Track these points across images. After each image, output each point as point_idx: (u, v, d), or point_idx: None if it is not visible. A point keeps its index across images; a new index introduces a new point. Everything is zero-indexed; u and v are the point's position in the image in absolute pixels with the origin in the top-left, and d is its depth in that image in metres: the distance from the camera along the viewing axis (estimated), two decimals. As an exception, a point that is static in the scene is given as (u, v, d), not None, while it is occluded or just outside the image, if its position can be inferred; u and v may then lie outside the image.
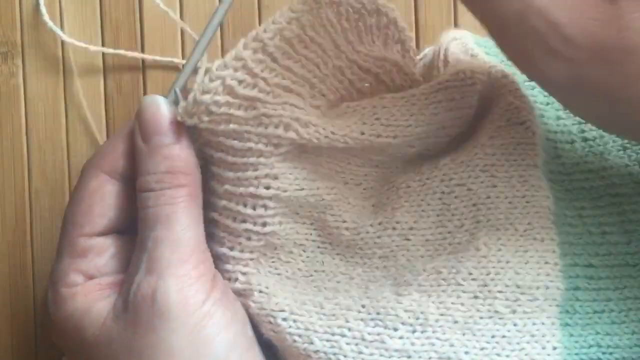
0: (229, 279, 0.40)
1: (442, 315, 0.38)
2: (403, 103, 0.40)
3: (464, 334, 0.38)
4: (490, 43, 0.44)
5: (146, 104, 0.40)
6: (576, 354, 0.39)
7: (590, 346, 0.39)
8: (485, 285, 0.39)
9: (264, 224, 0.40)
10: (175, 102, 0.40)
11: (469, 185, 0.41)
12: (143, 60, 0.51)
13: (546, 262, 0.39)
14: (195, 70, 0.40)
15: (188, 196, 0.39)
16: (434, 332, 0.38)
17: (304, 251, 0.42)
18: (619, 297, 0.40)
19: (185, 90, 0.40)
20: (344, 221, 0.41)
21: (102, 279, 0.39)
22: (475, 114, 0.42)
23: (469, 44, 0.43)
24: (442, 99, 0.40)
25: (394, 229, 0.41)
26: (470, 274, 0.39)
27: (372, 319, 0.39)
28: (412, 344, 0.38)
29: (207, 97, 0.38)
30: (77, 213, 0.40)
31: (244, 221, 0.40)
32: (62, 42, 0.51)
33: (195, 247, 0.38)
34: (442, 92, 0.40)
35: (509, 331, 0.38)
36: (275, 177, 0.39)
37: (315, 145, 0.39)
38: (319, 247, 0.42)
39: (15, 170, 0.51)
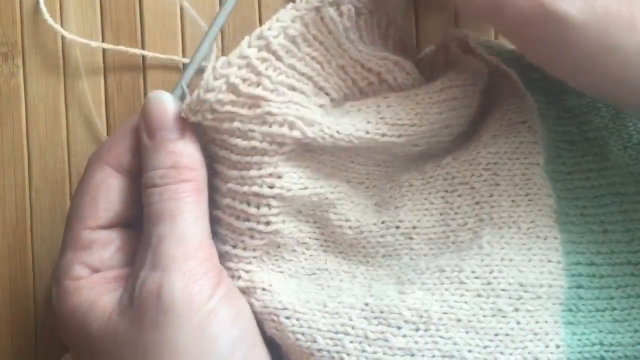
0: (232, 277, 0.40)
1: (445, 313, 0.39)
2: (407, 102, 0.40)
3: (467, 332, 0.38)
4: (490, 43, 0.44)
5: (151, 100, 0.40)
6: (579, 352, 0.39)
7: (593, 344, 0.39)
8: (489, 284, 0.39)
9: (268, 223, 0.40)
10: (182, 98, 0.40)
11: (472, 183, 0.41)
12: (144, 59, 0.51)
13: (549, 261, 0.40)
14: (201, 68, 0.40)
15: (193, 191, 0.39)
16: (437, 330, 0.38)
17: (307, 249, 0.42)
18: (622, 296, 0.40)
19: (192, 87, 0.40)
20: (347, 220, 0.41)
21: (107, 273, 0.39)
22: (478, 113, 0.42)
23: (470, 44, 0.43)
24: (446, 98, 0.40)
25: (397, 227, 0.41)
26: (474, 272, 0.39)
27: (375, 318, 0.39)
28: (416, 342, 0.38)
29: (210, 96, 0.38)
30: (81, 206, 0.40)
31: (248, 220, 0.40)
32: (63, 42, 0.51)
33: (200, 243, 0.38)
34: (445, 92, 0.40)
35: (512, 329, 0.39)
36: (279, 176, 0.39)
37: (319, 145, 0.39)
38: (322, 245, 0.42)
39: (16, 170, 0.51)
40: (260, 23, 0.51)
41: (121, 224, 0.41)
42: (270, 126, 0.39)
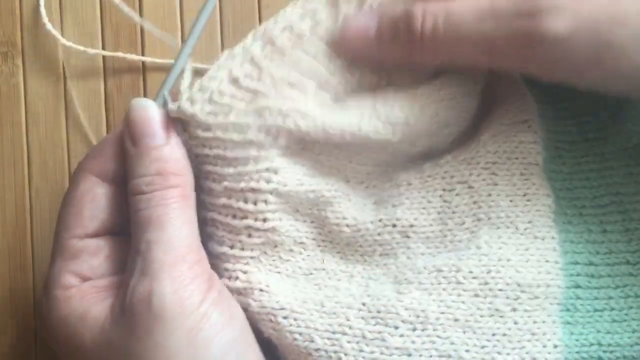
0: (229, 278, 0.40)
1: (442, 313, 0.39)
2: (404, 100, 0.40)
3: (464, 332, 0.39)
4: None
5: (134, 107, 0.40)
6: (577, 352, 0.39)
7: (591, 344, 0.39)
8: (486, 284, 0.39)
9: (265, 220, 0.40)
10: (164, 105, 0.40)
11: (471, 182, 0.41)
12: (143, 62, 0.51)
13: (547, 261, 0.40)
14: (181, 74, 0.41)
15: (180, 197, 0.39)
16: (434, 330, 0.39)
17: (304, 249, 0.42)
18: (620, 296, 0.40)
19: (174, 94, 0.41)
20: (344, 218, 0.41)
21: (98, 282, 0.39)
22: (478, 113, 0.42)
23: None
24: (445, 98, 0.40)
25: (394, 226, 0.41)
26: (471, 272, 0.39)
27: (372, 317, 0.39)
28: (413, 342, 0.38)
29: (213, 84, 0.39)
30: (68, 215, 0.40)
31: (245, 217, 0.40)
32: (62, 43, 0.51)
33: (189, 248, 0.38)
34: (444, 91, 0.40)
35: (509, 329, 0.39)
36: (276, 172, 0.40)
37: (313, 140, 0.39)
38: (319, 245, 0.42)
39: (16, 170, 0.51)
40: (260, 23, 0.51)
41: (109, 232, 0.41)
42: (266, 119, 0.39)
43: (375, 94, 0.40)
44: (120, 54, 0.51)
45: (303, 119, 0.39)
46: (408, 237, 0.41)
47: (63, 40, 0.50)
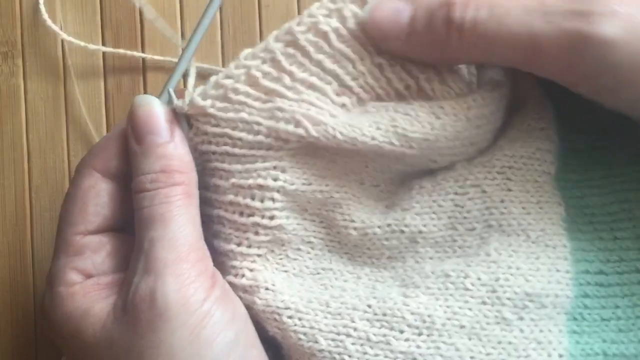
0: (236, 275, 0.41)
1: (449, 319, 0.39)
2: (427, 114, 0.39)
3: (470, 339, 0.39)
4: None
5: (138, 104, 0.40)
6: None
7: (597, 354, 0.39)
8: (494, 291, 0.39)
9: (272, 217, 0.40)
10: (168, 102, 0.40)
11: (484, 187, 0.41)
12: (143, 60, 0.51)
13: (557, 270, 0.40)
14: (186, 72, 0.41)
15: (184, 195, 0.39)
16: (440, 335, 0.39)
17: (312, 249, 0.42)
18: (627, 305, 0.40)
19: (180, 91, 0.41)
20: (352, 221, 0.41)
21: (101, 278, 0.40)
22: None
23: None
24: (472, 117, 0.39)
25: (402, 231, 0.41)
26: (479, 279, 0.39)
27: (378, 320, 0.39)
28: (418, 346, 0.39)
29: (229, 82, 0.39)
30: (71, 212, 0.40)
31: (252, 214, 0.40)
32: (62, 42, 0.51)
33: (192, 246, 0.38)
34: (473, 111, 0.39)
35: (515, 337, 0.39)
36: (284, 170, 0.40)
37: (324, 145, 0.39)
38: (327, 245, 0.42)
39: (16, 169, 0.52)
40: (260, 23, 0.51)
41: (112, 229, 0.41)
42: (277, 122, 0.39)
43: (398, 104, 0.39)
44: (121, 51, 0.50)
45: (315, 125, 0.38)
46: (416, 242, 0.41)
47: (64, 35, 0.50)
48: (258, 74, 0.39)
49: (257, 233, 0.40)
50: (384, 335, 0.39)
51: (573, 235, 0.41)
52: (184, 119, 0.40)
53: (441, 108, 0.39)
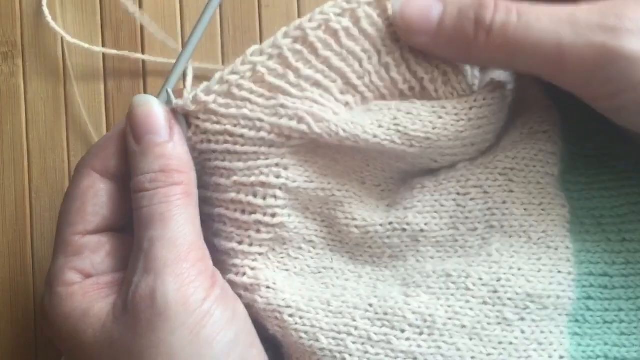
0: (237, 274, 0.41)
1: (450, 319, 0.39)
2: (429, 114, 0.39)
3: (471, 339, 0.39)
4: None
5: (137, 103, 0.40)
6: None
7: (598, 357, 0.40)
8: (495, 292, 0.39)
9: (274, 215, 0.41)
10: (167, 102, 0.40)
11: (486, 188, 0.41)
12: (143, 61, 0.51)
13: (559, 271, 0.40)
14: (184, 72, 0.41)
15: (183, 194, 0.39)
16: (441, 335, 0.39)
17: (313, 248, 0.42)
18: (631, 308, 0.40)
19: (178, 91, 0.41)
20: (354, 219, 0.42)
21: (100, 278, 0.40)
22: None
23: None
24: (473, 117, 0.39)
25: (403, 230, 0.41)
26: (481, 279, 0.40)
27: (379, 319, 0.39)
28: (419, 346, 0.39)
29: (233, 77, 0.39)
30: (70, 212, 0.40)
31: (254, 212, 0.40)
32: (63, 42, 0.52)
33: (192, 245, 0.38)
34: (475, 111, 0.39)
35: (516, 338, 0.39)
36: (286, 167, 0.40)
37: (327, 142, 0.40)
38: (328, 244, 0.42)
39: (16, 169, 0.52)
40: (260, 23, 0.52)
41: (111, 229, 0.41)
42: (280, 118, 0.39)
43: (400, 103, 0.40)
44: (125, 53, 0.51)
45: (317, 122, 0.39)
46: (418, 241, 0.41)
47: (68, 37, 0.50)
48: (263, 70, 0.39)
49: (258, 231, 0.41)
50: (385, 335, 0.39)
51: (578, 237, 0.41)
52: (182, 119, 0.41)
53: (443, 107, 0.39)
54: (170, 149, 0.39)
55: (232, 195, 0.40)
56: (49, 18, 0.50)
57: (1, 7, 0.52)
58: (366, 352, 0.39)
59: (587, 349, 0.40)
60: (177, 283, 0.37)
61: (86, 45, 0.50)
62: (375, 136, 0.39)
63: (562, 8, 0.36)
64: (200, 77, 0.49)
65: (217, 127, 0.40)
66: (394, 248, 0.41)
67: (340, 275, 0.42)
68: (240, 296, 0.40)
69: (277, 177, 0.40)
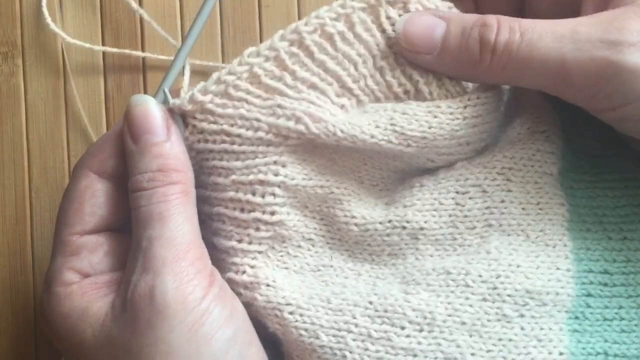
0: (237, 272, 0.41)
1: (449, 315, 0.40)
2: (424, 113, 0.40)
3: (471, 336, 0.39)
4: None
5: (134, 103, 0.41)
6: None
7: (598, 354, 0.40)
8: (495, 288, 0.40)
9: (273, 213, 0.41)
10: (164, 101, 0.41)
11: (485, 187, 0.42)
12: (143, 60, 0.51)
13: (557, 268, 0.40)
14: (181, 71, 0.42)
15: (181, 193, 0.39)
16: (441, 332, 0.39)
17: (312, 246, 0.43)
18: (631, 305, 0.41)
19: (175, 91, 0.42)
20: (353, 217, 0.42)
21: (98, 278, 0.41)
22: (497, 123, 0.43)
23: None
24: (468, 115, 0.40)
25: (403, 228, 0.42)
26: (480, 276, 0.40)
27: (379, 316, 0.40)
28: (419, 343, 0.39)
29: (230, 78, 0.40)
30: (67, 212, 0.41)
31: (253, 210, 0.41)
32: (62, 42, 0.51)
33: (190, 244, 0.39)
34: (469, 110, 0.40)
35: (516, 335, 0.40)
36: (284, 165, 0.41)
37: (324, 142, 0.40)
38: (328, 242, 0.43)
39: (16, 169, 0.53)
40: (260, 23, 0.52)
41: (108, 229, 0.42)
42: (278, 118, 0.40)
43: (396, 104, 0.41)
44: (126, 51, 0.52)
45: (315, 122, 0.40)
46: (417, 238, 0.42)
47: (68, 38, 0.51)
48: (260, 72, 0.40)
49: (258, 229, 0.41)
50: (385, 332, 0.40)
51: (577, 235, 0.41)
52: (179, 118, 0.41)
53: (438, 107, 0.40)
54: (168, 148, 0.40)
55: (231, 193, 0.41)
56: (48, 19, 0.51)
57: (1, 7, 0.52)
58: (366, 349, 0.39)
59: (587, 346, 0.40)
60: (176, 281, 0.37)
61: (86, 45, 0.51)
62: (372, 136, 0.40)
63: (564, 23, 0.37)
64: (203, 74, 0.50)
65: (214, 126, 0.40)
66: (394, 246, 0.42)
67: (339, 273, 0.42)
68: (240, 294, 0.41)
69: (276, 174, 0.41)
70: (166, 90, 0.41)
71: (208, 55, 0.52)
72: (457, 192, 0.42)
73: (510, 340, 0.39)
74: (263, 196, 0.41)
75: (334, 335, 0.40)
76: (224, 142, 0.40)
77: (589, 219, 0.42)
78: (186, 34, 0.42)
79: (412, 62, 0.40)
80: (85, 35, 0.52)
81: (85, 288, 0.39)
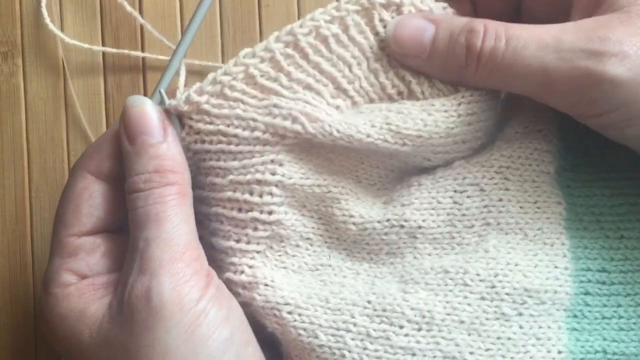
0: (235, 272, 0.42)
1: (448, 314, 0.40)
2: (419, 112, 0.40)
3: (469, 335, 0.40)
4: None
5: (131, 104, 0.41)
6: (581, 359, 0.40)
7: (596, 352, 0.40)
8: (493, 287, 0.40)
9: (270, 212, 0.41)
10: (160, 103, 0.41)
11: (482, 185, 0.42)
12: (143, 60, 0.51)
13: (556, 267, 0.41)
14: (177, 72, 0.42)
15: (177, 194, 0.40)
16: (439, 331, 0.40)
17: (310, 245, 0.43)
18: (630, 304, 0.41)
19: (171, 92, 0.42)
20: (352, 216, 0.42)
21: (96, 279, 0.41)
22: (494, 122, 0.43)
23: None
24: (462, 113, 0.40)
25: (401, 227, 0.42)
26: (478, 274, 0.40)
27: (377, 316, 0.40)
28: (418, 342, 0.40)
29: (226, 79, 0.40)
30: (65, 213, 0.41)
31: (251, 210, 0.41)
32: (62, 42, 0.51)
33: (187, 245, 0.39)
34: (463, 107, 0.41)
35: (514, 333, 0.40)
36: (281, 164, 0.41)
37: (320, 142, 0.41)
38: (326, 241, 0.43)
39: (16, 169, 0.53)
40: (260, 23, 0.53)
41: (105, 230, 0.42)
42: (274, 118, 0.40)
43: (391, 104, 0.41)
44: (126, 51, 0.52)
45: (311, 122, 0.40)
46: (415, 237, 0.42)
47: (67, 39, 0.51)
48: (256, 72, 0.40)
49: (256, 229, 0.41)
50: (384, 331, 0.40)
51: (575, 233, 0.42)
52: (175, 119, 0.41)
53: (432, 105, 0.41)
54: (164, 149, 0.40)
55: (229, 193, 0.41)
56: (47, 20, 0.51)
57: (1, 7, 0.53)
58: (365, 349, 0.40)
59: (586, 344, 0.40)
60: (173, 282, 0.38)
61: (85, 45, 0.51)
62: (368, 135, 0.40)
63: (550, 29, 0.38)
64: (203, 74, 0.50)
65: (211, 127, 0.41)
66: (392, 245, 0.42)
67: (338, 272, 0.42)
68: (238, 294, 0.41)
69: (273, 174, 0.41)
70: (162, 91, 0.41)
71: (208, 55, 0.52)
72: (455, 191, 0.42)
73: (509, 338, 0.40)
74: (261, 196, 0.41)
75: (332, 335, 0.40)
76: (220, 142, 0.41)
77: (586, 218, 0.42)
78: (182, 35, 0.42)
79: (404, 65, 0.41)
80: (85, 35, 0.52)
81: (82, 289, 0.40)
